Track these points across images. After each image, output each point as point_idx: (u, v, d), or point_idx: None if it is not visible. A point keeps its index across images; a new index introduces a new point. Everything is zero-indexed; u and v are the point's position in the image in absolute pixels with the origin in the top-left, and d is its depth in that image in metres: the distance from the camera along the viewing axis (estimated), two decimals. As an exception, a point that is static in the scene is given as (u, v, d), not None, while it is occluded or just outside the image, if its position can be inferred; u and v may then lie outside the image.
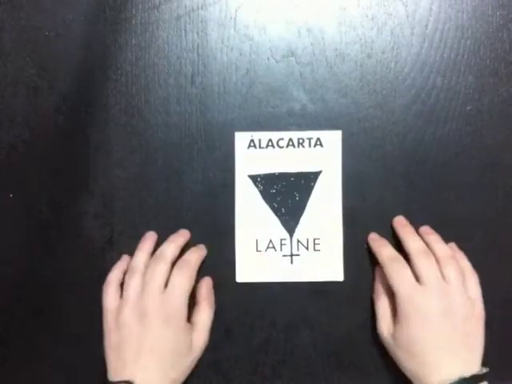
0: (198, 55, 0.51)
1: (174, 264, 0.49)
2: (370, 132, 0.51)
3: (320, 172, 0.51)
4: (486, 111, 0.51)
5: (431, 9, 0.51)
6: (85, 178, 0.52)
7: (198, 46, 0.51)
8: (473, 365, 0.44)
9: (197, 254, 0.50)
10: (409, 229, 0.49)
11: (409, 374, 0.46)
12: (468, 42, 0.51)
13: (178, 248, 0.49)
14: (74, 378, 0.51)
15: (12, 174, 0.52)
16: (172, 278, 0.47)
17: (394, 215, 0.51)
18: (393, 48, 0.51)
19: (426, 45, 0.51)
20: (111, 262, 0.52)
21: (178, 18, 0.51)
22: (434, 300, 0.45)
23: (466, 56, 0.51)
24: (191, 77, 0.51)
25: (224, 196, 0.52)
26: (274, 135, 0.51)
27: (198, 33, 0.51)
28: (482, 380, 0.43)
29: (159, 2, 0.51)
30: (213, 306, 0.50)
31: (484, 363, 0.45)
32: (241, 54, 0.51)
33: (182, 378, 0.47)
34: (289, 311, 0.52)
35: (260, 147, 0.52)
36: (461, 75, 0.51)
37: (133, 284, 0.47)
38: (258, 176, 0.52)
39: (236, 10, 0.51)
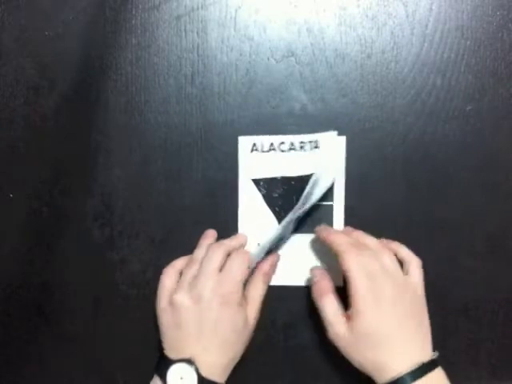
0: (198, 55, 0.51)
1: None
2: (370, 132, 0.51)
3: (315, 175, 0.51)
4: (486, 111, 0.51)
5: (431, 9, 0.51)
6: (85, 178, 0.52)
7: (198, 45, 0.51)
8: (427, 350, 0.44)
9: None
10: (332, 230, 0.50)
11: (369, 368, 0.44)
12: (468, 42, 0.51)
13: (237, 244, 0.50)
14: (73, 378, 0.51)
15: (12, 173, 0.52)
16: (229, 261, 0.47)
17: (394, 215, 0.51)
18: (393, 48, 0.51)
19: (426, 45, 0.51)
20: (111, 261, 0.52)
21: (178, 17, 0.51)
22: (384, 288, 0.44)
23: (466, 56, 0.51)
24: (191, 77, 0.51)
25: (224, 196, 0.52)
26: (276, 139, 0.51)
27: (198, 33, 0.51)
28: (437, 365, 0.44)
29: (159, 2, 0.51)
30: (268, 283, 0.50)
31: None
32: (241, 54, 0.51)
33: (240, 354, 0.47)
34: (289, 311, 0.52)
35: (262, 151, 0.51)
36: (461, 75, 0.51)
37: (190, 270, 0.47)
38: (261, 180, 0.52)
39: (236, 10, 0.51)
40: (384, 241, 0.49)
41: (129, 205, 0.52)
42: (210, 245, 0.49)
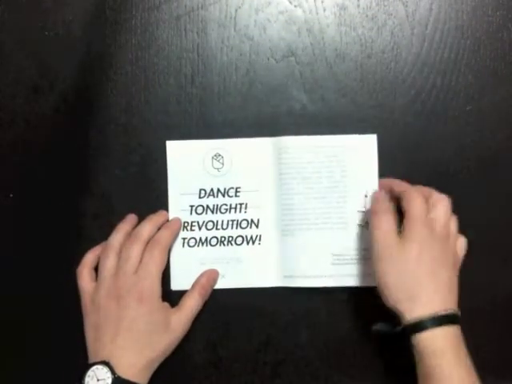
0: (198, 55, 0.51)
1: None
2: (370, 132, 0.51)
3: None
4: (486, 111, 0.51)
5: (431, 9, 0.51)
6: (85, 178, 0.52)
7: (198, 45, 0.51)
8: (450, 305, 0.44)
9: (168, 232, 0.49)
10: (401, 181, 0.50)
11: (397, 304, 0.44)
12: (468, 42, 0.51)
13: (154, 228, 0.49)
14: (73, 378, 0.51)
15: (12, 173, 0.52)
16: (143, 259, 0.47)
17: (394, 215, 0.51)
18: (393, 48, 0.51)
19: (426, 45, 0.51)
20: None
21: (178, 17, 0.51)
22: (437, 229, 0.45)
23: (465, 56, 0.51)
24: (191, 77, 0.51)
25: (224, 196, 0.52)
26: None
27: (197, 33, 0.51)
28: (455, 322, 0.44)
29: (159, 2, 0.51)
30: (204, 296, 0.50)
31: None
32: (241, 54, 0.51)
33: (161, 357, 0.47)
34: (289, 311, 0.52)
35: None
36: (461, 75, 0.51)
37: (108, 264, 0.47)
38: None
39: (236, 10, 0.51)
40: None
41: (129, 205, 0.52)
42: (129, 238, 0.48)
